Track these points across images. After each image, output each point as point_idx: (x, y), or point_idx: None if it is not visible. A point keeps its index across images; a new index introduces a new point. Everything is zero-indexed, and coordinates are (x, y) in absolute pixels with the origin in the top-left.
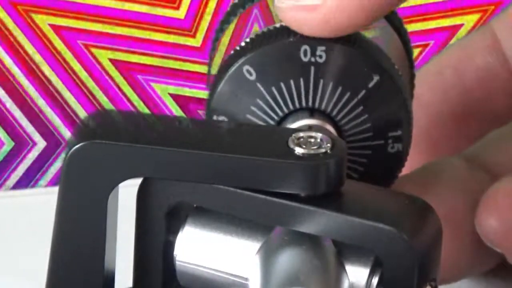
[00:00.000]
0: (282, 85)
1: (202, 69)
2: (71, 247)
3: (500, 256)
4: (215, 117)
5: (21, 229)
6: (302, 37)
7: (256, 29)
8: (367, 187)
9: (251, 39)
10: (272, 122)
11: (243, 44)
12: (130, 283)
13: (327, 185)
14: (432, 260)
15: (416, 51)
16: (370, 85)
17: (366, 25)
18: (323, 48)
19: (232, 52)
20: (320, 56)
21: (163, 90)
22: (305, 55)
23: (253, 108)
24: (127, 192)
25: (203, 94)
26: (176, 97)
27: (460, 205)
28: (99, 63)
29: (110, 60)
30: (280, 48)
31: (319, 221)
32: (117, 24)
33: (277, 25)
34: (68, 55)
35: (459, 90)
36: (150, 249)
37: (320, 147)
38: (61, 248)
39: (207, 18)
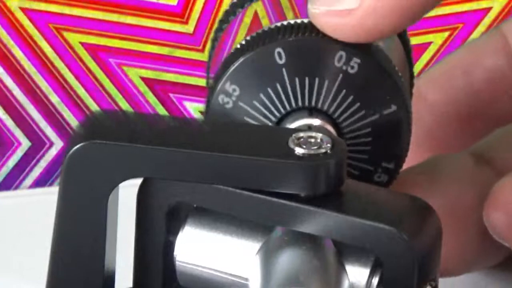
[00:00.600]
0: (306, 80)
1: (194, 55)
2: (71, 247)
3: (508, 250)
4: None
5: (23, 229)
6: (341, 43)
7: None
8: (367, 187)
9: (267, 30)
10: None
11: (258, 36)
12: (130, 283)
13: (327, 185)
14: (432, 260)
15: (445, 34)
16: (385, 112)
17: (401, 30)
18: (359, 61)
19: (238, 46)
20: (352, 67)
21: (134, 74)
22: (339, 61)
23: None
24: (127, 192)
25: (189, 79)
26: (147, 80)
27: (468, 198)
28: (73, 50)
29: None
30: (315, 46)
31: (319, 221)
32: (107, 11)
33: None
34: (40, 40)
35: (466, 91)
36: (150, 249)
37: (320, 147)
38: (61, 248)
39: (199, 4)
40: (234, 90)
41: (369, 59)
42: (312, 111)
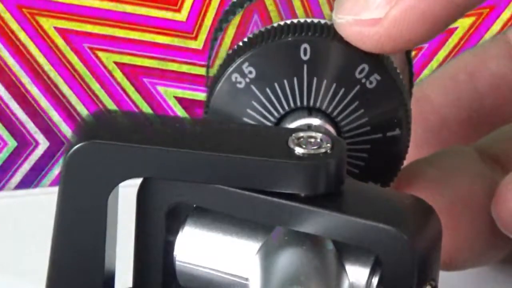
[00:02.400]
0: (323, 82)
1: (204, 71)
2: (71, 247)
3: None
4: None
5: (24, 229)
6: (367, 54)
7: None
8: (367, 187)
9: (272, 28)
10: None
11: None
12: (130, 283)
13: (327, 185)
14: (431, 260)
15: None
16: (388, 134)
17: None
18: (379, 78)
19: (263, 29)
20: (371, 82)
21: (168, 93)
22: (360, 72)
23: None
24: (127, 192)
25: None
26: (181, 100)
27: (478, 190)
28: (104, 66)
29: (115, 63)
30: (341, 52)
31: (319, 221)
32: (119, 27)
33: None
34: (73, 58)
35: (471, 95)
36: (150, 249)
37: (320, 147)
38: (61, 248)
39: (209, 20)
40: (250, 72)
41: (389, 79)
42: (318, 113)
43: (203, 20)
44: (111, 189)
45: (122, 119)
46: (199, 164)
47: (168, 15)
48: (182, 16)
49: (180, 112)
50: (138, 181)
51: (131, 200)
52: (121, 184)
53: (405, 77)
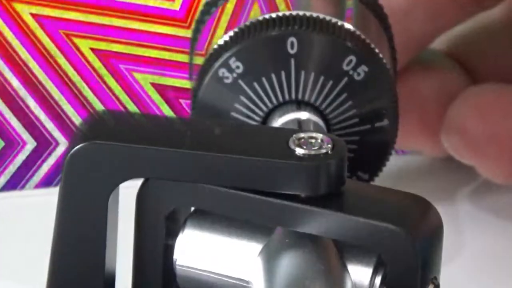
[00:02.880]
0: (311, 76)
1: (199, 60)
2: (72, 248)
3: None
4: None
5: (9, 231)
6: (354, 46)
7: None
8: (368, 187)
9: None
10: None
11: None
12: (130, 284)
13: (329, 185)
14: (434, 258)
15: None
16: (377, 124)
17: None
18: (366, 69)
19: (248, 23)
20: (359, 74)
21: (144, 79)
22: (348, 64)
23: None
24: (128, 193)
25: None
26: (158, 87)
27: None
28: (82, 55)
29: (92, 49)
30: (327, 45)
31: (321, 222)
32: (111, 15)
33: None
34: (49, 45)
35: None
36: (149, 253)
37: (320, 147)
38: (62, 249)
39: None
40: (237, 67)
41: (376, 69)
42: (307, 107)
43: (196, 8)
44: (112, 190)
45: (123, 120)
46: (200, 165)
47: (160, 3)
48: (175, 4)
49: (157, 100)
50: (138, 182)
51: (131, 201)
52: (122, 185)
53: (391, 65)
